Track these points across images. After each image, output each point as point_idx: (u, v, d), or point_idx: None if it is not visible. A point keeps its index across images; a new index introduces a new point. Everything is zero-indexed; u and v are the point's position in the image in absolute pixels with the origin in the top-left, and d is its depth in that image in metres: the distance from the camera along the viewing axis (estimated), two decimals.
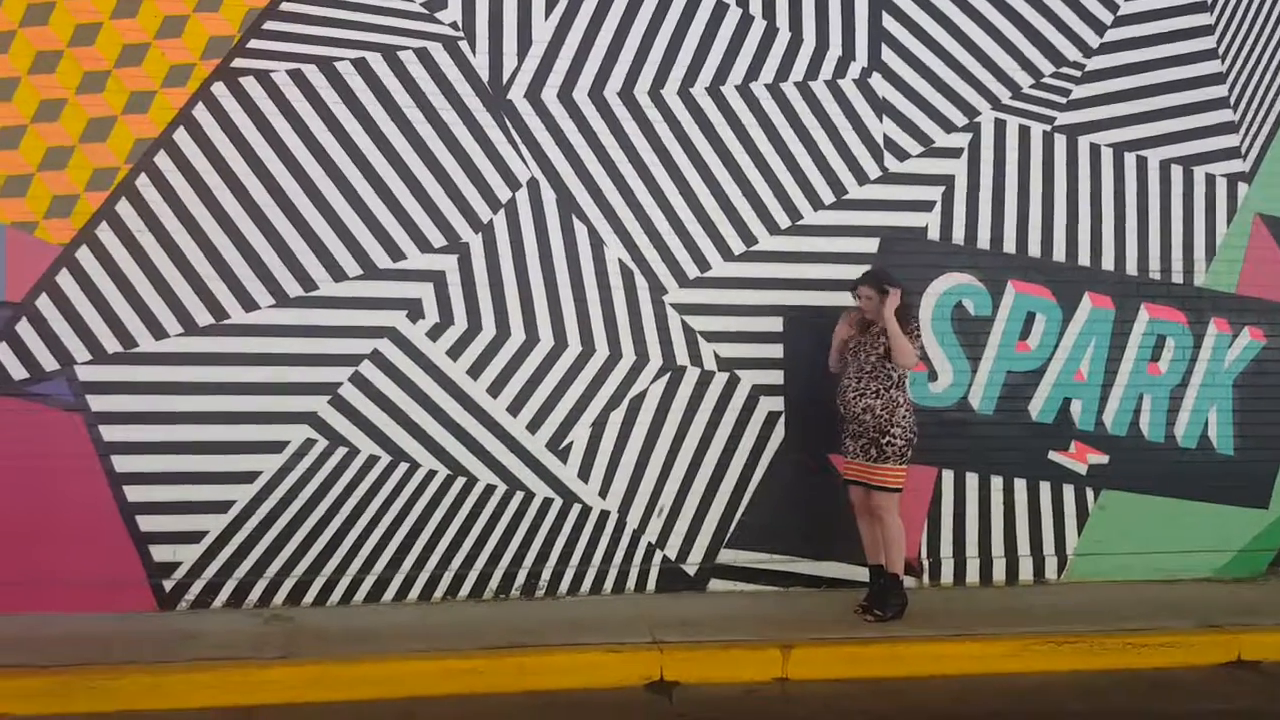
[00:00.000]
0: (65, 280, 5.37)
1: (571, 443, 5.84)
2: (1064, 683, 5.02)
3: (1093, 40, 6.39)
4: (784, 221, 6.06)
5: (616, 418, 5.88)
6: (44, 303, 5.35)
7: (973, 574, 6.22)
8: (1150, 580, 6.30)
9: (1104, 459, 6.36)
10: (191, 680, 4.57)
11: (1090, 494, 6.36)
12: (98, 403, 5.38)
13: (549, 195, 5.83)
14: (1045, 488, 6.31)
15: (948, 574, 6.20)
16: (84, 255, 5.39)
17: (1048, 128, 6.34)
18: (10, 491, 5.29)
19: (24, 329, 5.33)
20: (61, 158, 5.37)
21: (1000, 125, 6.30)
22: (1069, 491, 6.34)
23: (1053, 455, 6.33)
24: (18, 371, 5.33)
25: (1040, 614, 5.62)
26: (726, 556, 5.99)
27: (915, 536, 6.14)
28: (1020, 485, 6.29)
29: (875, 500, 5.46)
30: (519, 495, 5.79)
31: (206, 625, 5.23)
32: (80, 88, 5.37)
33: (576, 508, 5.85)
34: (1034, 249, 6.31)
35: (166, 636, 5.02)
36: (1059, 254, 6.33)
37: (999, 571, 6.25)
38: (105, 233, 5.41)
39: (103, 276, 5.40)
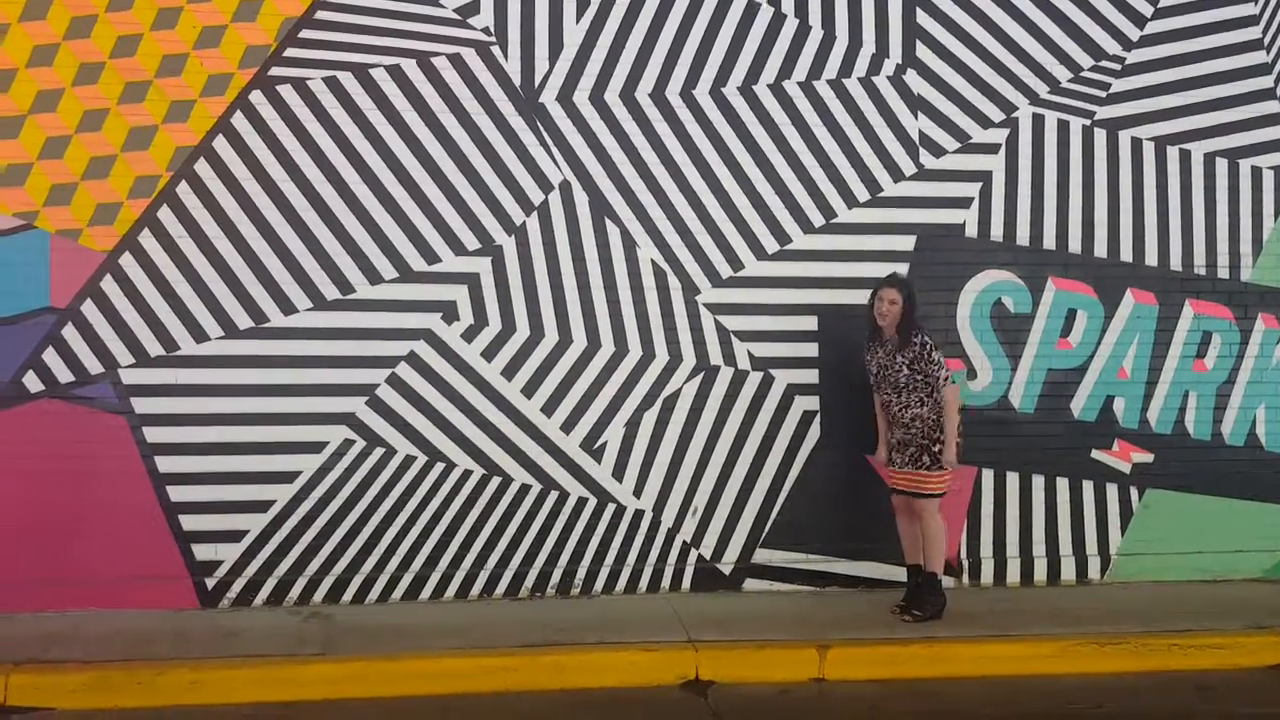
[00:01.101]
0: (109, 286, 5.50)
1: (605, 442, 5.85)
2: (1108, 684, 4.93)
3: (1133, 33, 6.29)
4: (818, 220, 6.03)
5: (650, 417, 5.89)
6: (89, 308, 5.48)
7: (1014, 574, 6.13)
8: (1196, 581, 6.18)
9: (1148, 457, 6.24)
10: (233, 676, 4.65)
11: (1134, 493, 6.24)
12: (141, 405, 5.50)
13: (581, 197, 5.85)
14: (1088, 487, 6.20)
15: (988, 574, 6.12)
16: (127, 261, 5.51)
17: (1087, 122, 6.24)
18: (57, 491, 5.42)
19: (70, 334, 5.46)
20: (104, 166, 5.50)
21: (1039, 120, 6.21)
22: (1112, 490, 6.23)
23: (1096, 454, 6.22)
24: (64, 375, 5.46)
25: (1083, 614, 5.53)
26: (762, 556, 5.97)
27: (955, 536, 6.07)
28: (1062, 484, 6.19)
29: (919, 505, 5.42)
30: (554, 495, 5.82)
31: (247, 622, 5.31)
32: (122, 98, 5.50)
33: (611, 507, 5.86)
34: (1074, 245, 6.21)
35: (208, 633, 5.11)
36: (1100, 250, 6.23)
37: (1040, 571, 6.16)
38: (147, 239, 5.53)
39: (145, 282, 5.52)
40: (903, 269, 6.01)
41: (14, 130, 5.42)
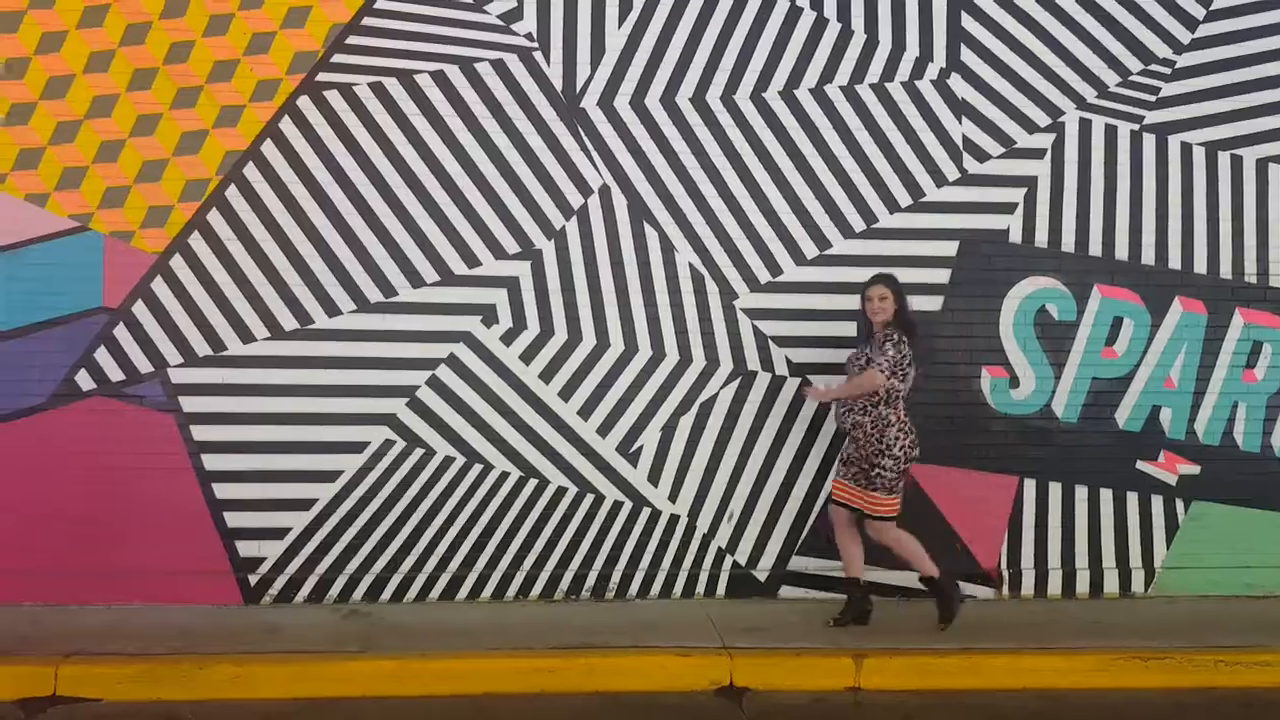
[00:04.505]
0: (159, 287, 5.63)
1: (641, 446, 5.87)
2: (1151, 700, 4.82)
3: (1184, 36, 6.17)
4: (859, 224, 5.99)
5: (686, 422, 5.89)
6: (140, 308, 5.62)
7: (1055, 586, 6.04)
8: (1243, 596, 6.04)
9: (1195, 469, 6.11)
10: (274, 672, 4.72)
11: (1180, 505, 6.11)
12: (189, 404, 5.62)
13: (620, 201, 5.88)
14: (1132, 498, 6.09)
15: (1028, 585, 6.03)
16: (177, 263, 5.64)
17: (1136, 127, 6.14)
18: (107, 487, 5.56)
19: (121, 333, 5.60)
20: (157, 170, 5.64)
21: (1085, 125, 6.12)
22: (1158, 502, 6.11)
23: (1141, 465, 6.11)
24: (115, 374, 5.60)
25: (1127, 628, 5.43)
26: (798, 563, 5.94)
27: (996, 547, 6.00)
28: (1106, 495, 6.09)
29: (871, 527, 5.32)
30: (589, 498, 5.84)
31: (289, 619, 5.40)
32: (174, 103, 5.64)
33: (646, 511, 5.87)
34: (1121, 252, 6.11)
35: (251, 629, 5.20)
36: (1148, 257, 6.12)
37: (1082, 584, 6.05)
38: (197, 241, 5.66)
39: (194, 283, 5.65)
40: (945, 275, 5.96)
41: (70, 134, 5.58)
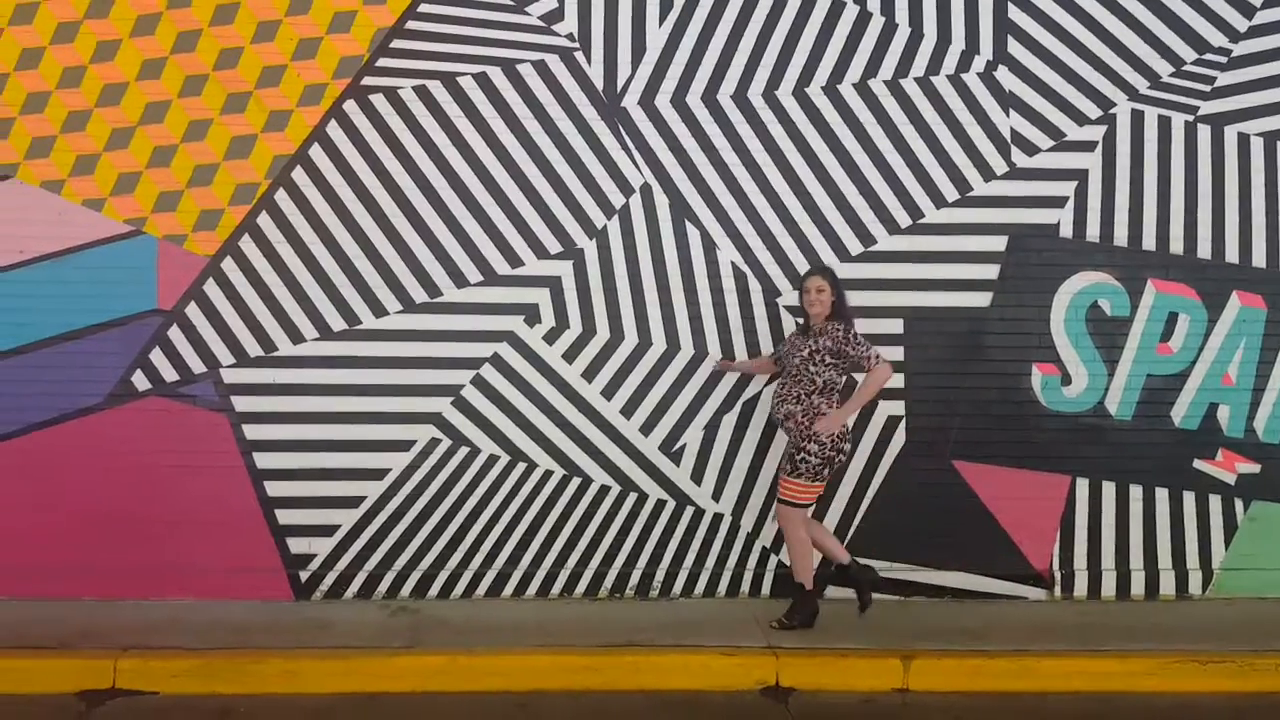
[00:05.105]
0: (211, 289, 5.74)
1: (684, 445, 5.86)
2: (1209, 704, 4.72)
3: (1239, 23, 6.01)
4: (904, 220, 5.92)
5: (729, 421, 5.87)
6: (192, 310, 5.73)
7: (1109, 587, 5.92)
8: None
9: (1255, 468, 5.95)
10: (324, 667, 4.79)
11: (1239, 505, 5.96)
12: (241, 403, 5.73)
13: (662, 199, 5.87)
14: (1189, 498, 5.95)
15: (1081, 587, 5.92)
16: (228, 265, 5.75)
17: (1190, 118, 5.99)
18: (162, 485, 5.68)
19: (175, 335, 5.72)
20: (208, 174, 5.75)
21: (1138, 116, 5.99)
22: (1215, 502, 5.96)
23: (1198, 464, 5.96)
24: (169, 374, 5.72)
25: (1183, 631, 5.31)
26: None
27: (1047, 548, 5.91)
28: (1162, 495, 5.95)
29: (778, 511, 5.27)
30: (633, 496, 5.85)
31: (338, 615, 5.47)
32: (224, 108, 5.75)
33: (689, 510, 5.86)
34: (1176, 246, 5.97)
35: (301, 625, 5.29)
36: (1204, 250, 5.97)
37: (1137, 585, 5.93)
38: (247, 244, 5.76)
39: (245, 285, 5.75)
40: (994, 271, 5.88)
41: (125, 140, 5.71)
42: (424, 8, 5.83)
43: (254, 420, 5.73)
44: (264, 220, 5.77)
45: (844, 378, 5.27)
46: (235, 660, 4.79)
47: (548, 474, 5.84)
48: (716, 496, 5.87)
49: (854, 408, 5.18)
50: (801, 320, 5.58)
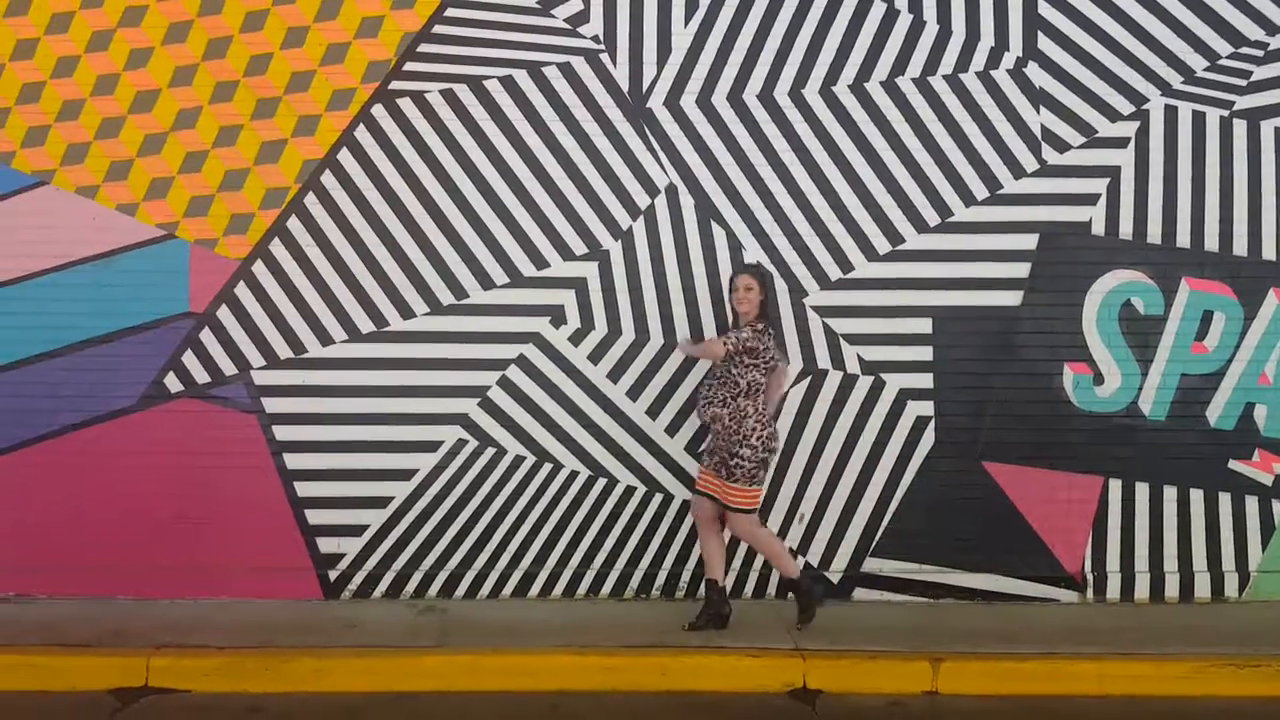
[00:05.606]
0: (242, 292, 5.81)
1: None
2: (1246, 709, 4.64)
3: (1276, 16, 5.90)
4: (933, 219, 5.87)
5: None
6: (224, 313, 5.81)
7: (1142, 590, 5.83)
8: None
9: None
10: (353, 666, 4.84)
11: (1277, 506, 5.85)
12: (271, 404, 5.79)
13: (687, 200, 5.86)
14: (1225, 499, 5.85)
15: (1114, 589, 5.84)
16: (259, 269, 5.82)
17: (1225, 113, 5.89)
18: (194, 485, 5.76)
19: (206, 337, 5.80)
20: (238, 179, 5.82)
21: (1171, 112, 5.89)
22: (1252, 503, 5.85)
23: (1234, 464, 5.86)
24: (201, 376, 5.80)
25: (1219, 634, 5.22)
26: (872, 565, 5.85)
27: (1079, 549, 5.83)
28: (1196, 496, 5.86)
29: (730, 520, 5.23)
30: (658, 497, 5.84)
31: (367, 614, 5.52)
32: (254, 114, 5.82)
33: None
34: (1211, 243, 5.87)
35: (330, 623, 5.34)
36: (1240, 248, 5.87)
37: (1172, 588, 5.83)
38: (277, 247, 5.82)
39: (275, 288, 5.82)
40: (1024, 269, 5.81)
41: (158, 146, 5.80)
42: (450, 12, 5.86)
43: (284, 421, 5.79)
44: (294, 224, 5.83)
45: (772, 380, 5.28)
46: (265, 659, 4.85)
47: (573, 474, 5.85)
48: None
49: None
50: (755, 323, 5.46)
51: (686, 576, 5.83)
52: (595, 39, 5.88)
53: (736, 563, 5.85)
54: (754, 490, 5.19)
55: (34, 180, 5.78)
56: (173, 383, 5.78)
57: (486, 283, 5.84)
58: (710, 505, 5.28)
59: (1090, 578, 5.84)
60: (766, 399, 5.25)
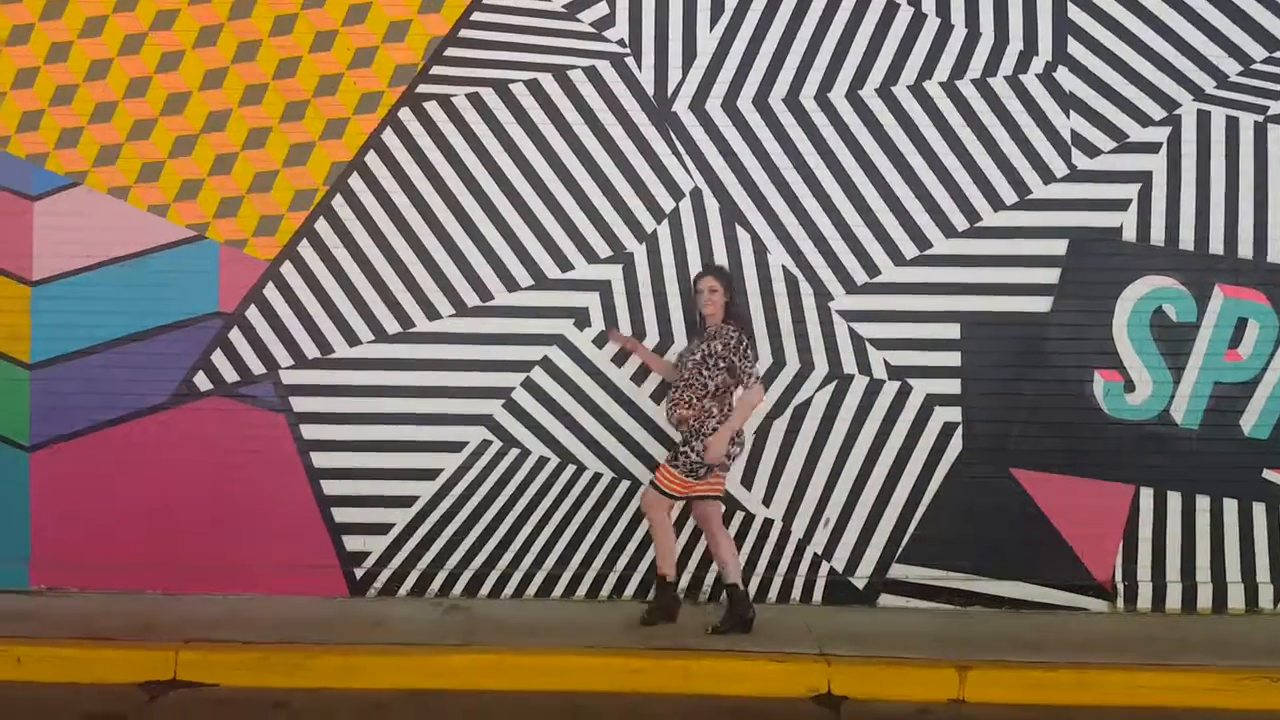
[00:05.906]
0: (271, 292, 5.87)
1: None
2: None
3: None
4: (961, 224, 5.83)
5: (780, 426, 5.82)
6: (253, 313, 5.87)
7: (1174, 600, 5.74)
8: None
9: None
10: (379, 662, 4.86)
11: None
12: (299, 404, 5.85)
13: (712, 204, 5.86)
14: (1259, 509, 5.75)
15: (1145, 599, 5.75)
16: (287, 269, 5.87)
17: (1260, 118, 5.81)
18: (222, 483, 5.83)
19: (235, 337, 5.86)
20: (267, 181, 5.89)
21: (1204, 117, 5.82)
22: None
23: (1268, 474, 5.76)
24: (230, 375, 5.86)
25: (1252, 646, 5.12)
26: (898, 571, 5.80)
27: (1110, 558, 5.75)
28: (1230, 506, 5.76)
29: (644, 492, 5.30)
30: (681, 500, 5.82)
31: (392, 612, 5.55)
32: (283, 117, 5.88)
33: (739, 514, 5.82)
34: (1245, 249, 5.79)
35: (357, 621, 5.37)
36: (1275, 254, 5.79)
37: (1204, 598, 5.74)
38: (305, 249, 5.88)
39: (303, 289, 5.87)
40: (1054, 275, 5.76)
41: (188, 148, 5.88)
42: (477, 16, 5.90)
43: (311, 420, 5.84)
44: (321, 225, 5.88)
45: (737, 381, 5.27)
46: (292, 654, 4.88)
47: (597, 476, 5.85)
48: (767, 502, 5.82)
49: (728, 433, 5.16)
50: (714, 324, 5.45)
51: (709, 580, 5.80)
52: (621, 43, 5.90)
53: (760, 566, 5.82)
54: (687, 482, 5.22)
55: (67, 181, 5.88)
56: (202, 381, 5.84)
57: (511, 285, 5.86)
58: (698, 506, 5.38)
59: (1121, 587, 5.76)
60: (734, 406, 5.26)
